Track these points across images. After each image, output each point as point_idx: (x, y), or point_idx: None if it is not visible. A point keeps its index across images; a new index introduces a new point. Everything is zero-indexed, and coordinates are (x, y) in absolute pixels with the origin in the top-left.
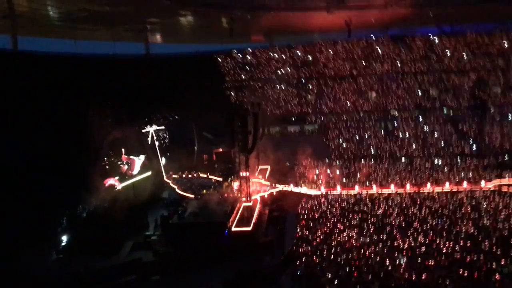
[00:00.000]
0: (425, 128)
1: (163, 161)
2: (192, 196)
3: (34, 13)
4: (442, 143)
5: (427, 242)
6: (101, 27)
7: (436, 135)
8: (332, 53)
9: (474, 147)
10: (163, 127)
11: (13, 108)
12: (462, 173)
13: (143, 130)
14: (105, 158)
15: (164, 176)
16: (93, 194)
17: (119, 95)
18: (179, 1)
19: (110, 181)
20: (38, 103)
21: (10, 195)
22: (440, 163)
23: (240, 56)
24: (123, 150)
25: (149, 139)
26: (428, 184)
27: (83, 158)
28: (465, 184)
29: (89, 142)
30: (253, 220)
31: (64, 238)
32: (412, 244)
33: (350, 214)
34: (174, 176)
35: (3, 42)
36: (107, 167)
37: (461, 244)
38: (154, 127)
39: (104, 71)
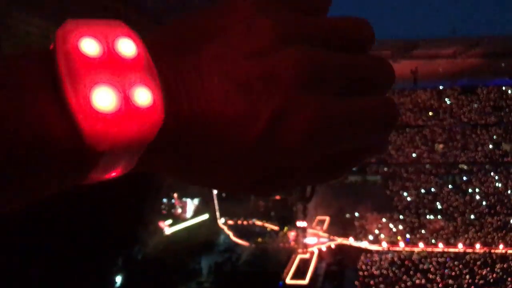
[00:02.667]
0: (497, 184)
1: (218, 206)
2: (247, 243)
3: None
4: None
5: None
6: None
7: (509, 192)
8: (397, 102)
9: None
10: None
11: None
12: None
13: None
14: (163, 200)
15: (219, 222)
16: (149, 236)
17: None
18: None
19: (161, 224)
20: None
21: (67, 230)
22: None
23: None
24: (176, 194)
25: None
26: (501, 245)
27: (141, 199)
28: None
29: (147, 184)
30: (309, 274)
31: (118, 280)
32: None
33: (414, 273)
34: (229, 222)
35: None
36: (162, 209)
37: None
38: None
39: None
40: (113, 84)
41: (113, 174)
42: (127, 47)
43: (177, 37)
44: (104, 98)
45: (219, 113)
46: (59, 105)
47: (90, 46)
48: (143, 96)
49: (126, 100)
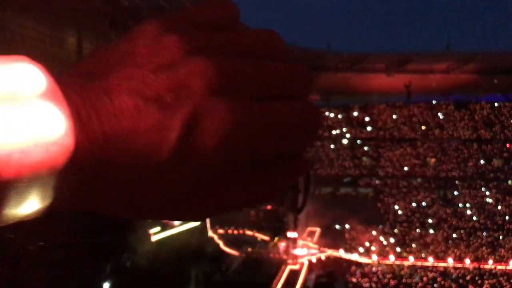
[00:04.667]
0: (487, 199)
1: None
2: (237, 253)
3: None
4: (507, 217)
5: None
6: None
7: (499, 207)
8: (390, 115)
9: None
10: None
11: None
12: None
13: None
14: None
15: (209, 231)
16: (138, 243)
17: None
18: None
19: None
20: None
21: (54, 237)
22: (503, 238)
23: None
24: None
25: None
26: (490, 261)
27: None
28: None
29: None
30: (299, 285)
31: (106, 286)
32: None
33: (404, 287)
34: (219, 231)
35: None
36: None
37: None
38: None
39: None
40: (17, 114)
41: (30, 209)
42: (33, 79)
43: (86, 65)
44: (6, 127)
45: (131, 129)
46: None
47: None
48: (49, 123)
49: (31, 127)
